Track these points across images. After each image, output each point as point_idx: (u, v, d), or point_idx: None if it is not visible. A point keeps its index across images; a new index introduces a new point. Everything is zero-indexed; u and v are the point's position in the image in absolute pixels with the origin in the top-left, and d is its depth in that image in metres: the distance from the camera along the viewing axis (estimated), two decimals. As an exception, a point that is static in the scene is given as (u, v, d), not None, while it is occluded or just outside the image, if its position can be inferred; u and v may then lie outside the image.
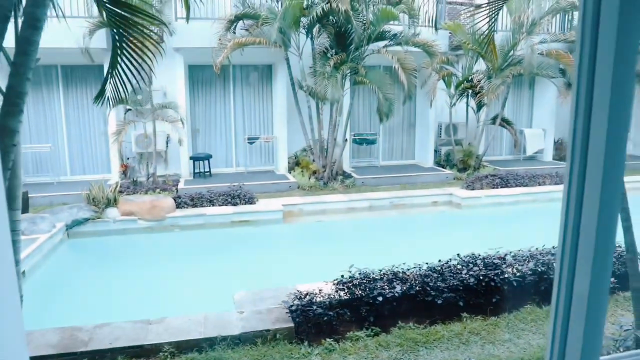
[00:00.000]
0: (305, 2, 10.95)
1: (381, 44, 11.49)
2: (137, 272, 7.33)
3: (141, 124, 10.84)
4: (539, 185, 11.54)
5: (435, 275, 5.14)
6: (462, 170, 12.99)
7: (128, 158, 11.96)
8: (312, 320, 4.59)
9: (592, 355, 1.03)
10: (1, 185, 1.08)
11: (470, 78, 12.83)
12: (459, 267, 5.33)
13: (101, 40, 10.36)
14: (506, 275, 5.19)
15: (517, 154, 15.14)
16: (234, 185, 10.43)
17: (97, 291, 6.59)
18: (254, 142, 12.87)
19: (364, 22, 11.09)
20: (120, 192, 9.72)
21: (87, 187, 9.20)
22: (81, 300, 6.33)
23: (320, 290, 4.93)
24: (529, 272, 5.24)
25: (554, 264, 5.22)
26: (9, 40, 2.68)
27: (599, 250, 0.99)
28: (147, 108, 10.72)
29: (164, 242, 8.71)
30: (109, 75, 3.55)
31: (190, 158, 12.11)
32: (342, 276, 5.11)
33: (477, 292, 5.05)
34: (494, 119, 13.36)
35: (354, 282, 5.00)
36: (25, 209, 8.22)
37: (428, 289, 4.94)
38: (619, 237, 3.49)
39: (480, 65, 12.92)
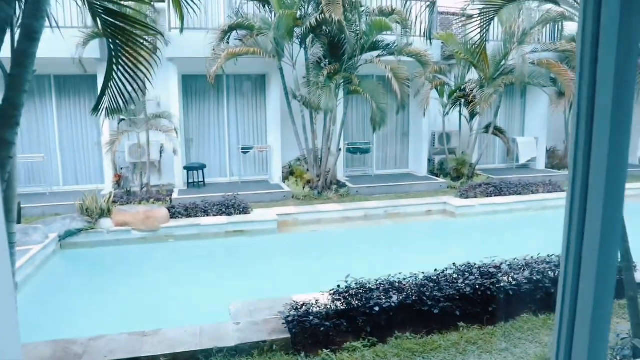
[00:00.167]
0: (298, 13, 11.02)
1: (374, 53, 11.57)
2: (132, 283, 7.27)
3: (135, 134, 10.81)
4: (533, 193, 11.60)
5: (431, 284, 5.13)
6: (456, 179, 13.04)
7: (122, 168, 11.90)
8: (308, 331, 4.56)
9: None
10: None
11: (462, 87, 12.94)
12: (455, 276, 5.33)
13: (94, 50, 10.36)
14: (502, 284, 5.19)
15: (510, 162, 15.24)
16: (228, 195, 10.39)
17: (91, 303, 6.51)
18: (248, 151, 12.86)
19: (357, 32, 11.17)
20: (114, 202, 9.66)
21: (80, 198, 9.13)
22: (74, 312, 6.25)
23: (316, 300, 4.90)
24: (525, 281, 5.25)
25: (558, 272, 5.26)
26: (4, 51, 2.67)
27: (602, 256, 0.99)
28: (140, 118, 10.70)
29: (159, 252, 8.65)
30: (106, 86, 3.54)
31: (184, 168, 12.07)
32: (339, 286, 5.09)
33: (474, 301, 5.04)
34: (486, 128, 13.46)
35: (351, 292, 4.97)
36: (17, 220, 8.13)
37: (425, 298, 4.93)
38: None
39: (473, 75, 13.04)
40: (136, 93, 3.95)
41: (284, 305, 4.92)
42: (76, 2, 3.65)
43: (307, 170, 12.20)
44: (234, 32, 11.58)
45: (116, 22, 3.53)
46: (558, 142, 15.64)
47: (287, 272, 7.63)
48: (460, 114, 13.76)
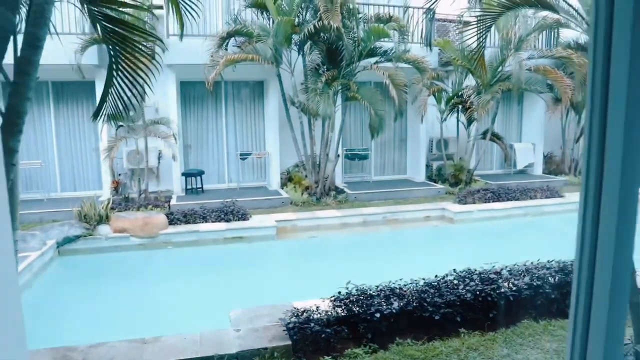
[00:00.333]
0: (296, 20, 11.06)
1: (372, 60, 11.59)
2: (130, 290, 7.22)
3: (133, 140, 10.79)
4: (530, 198, 11.63)
5: (432, 290, 5.12)
6: (454, 184, 13.06)
7: (120, 174, 11.87)
8: (309, 338, 4.53)
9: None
10: (5, 204, 1.06)
11: (460, 94, 12.98)
12: (456, 282, 5.32)
13: (92, 56, 10.37)
14: (502, 290, 5.19)
15: (507, 168, 15.28)
16: (226, 202, 10.38)
17: (90, 310, 6.47)
18: (246, 158, 12.85)
19: (355, 39, 11.21)
20: (112, 208, 9.62)
21: (78, 204, 9.09)
22: (73, 319, 6.21)
23: (317, 307, 4.88)
24: (525, 287, 5.24)
25: (558, 277, 5.25)
26: (7, 59, 2.66)
27: (618, 259, 0.99)
28: (139, 124, 10.68)
29: (157, 259, 8.61)
30: (107, 92, 3.53)
31: (183, 174, 12.05)
32: (339, 293, 5.07)
33: (474, 307, 5.03)
34: (484, 134, 13.49)
35: (351, 299, 4.95)
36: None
37: (425, 304, 4.91)
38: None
39: (470, 81, 13.09)
40: (136, 99, 3.95)
41: (284, 312, 4.90)
42: (76, 7, 3.65)
43: (306, 176, 12.20)
44: (232, 38, 11.61)
45: (116, 29, 3.54)
46: (555, 148, 15.71)
47: (286, 279, 7.61)
48: (458, 120, 13.80)
